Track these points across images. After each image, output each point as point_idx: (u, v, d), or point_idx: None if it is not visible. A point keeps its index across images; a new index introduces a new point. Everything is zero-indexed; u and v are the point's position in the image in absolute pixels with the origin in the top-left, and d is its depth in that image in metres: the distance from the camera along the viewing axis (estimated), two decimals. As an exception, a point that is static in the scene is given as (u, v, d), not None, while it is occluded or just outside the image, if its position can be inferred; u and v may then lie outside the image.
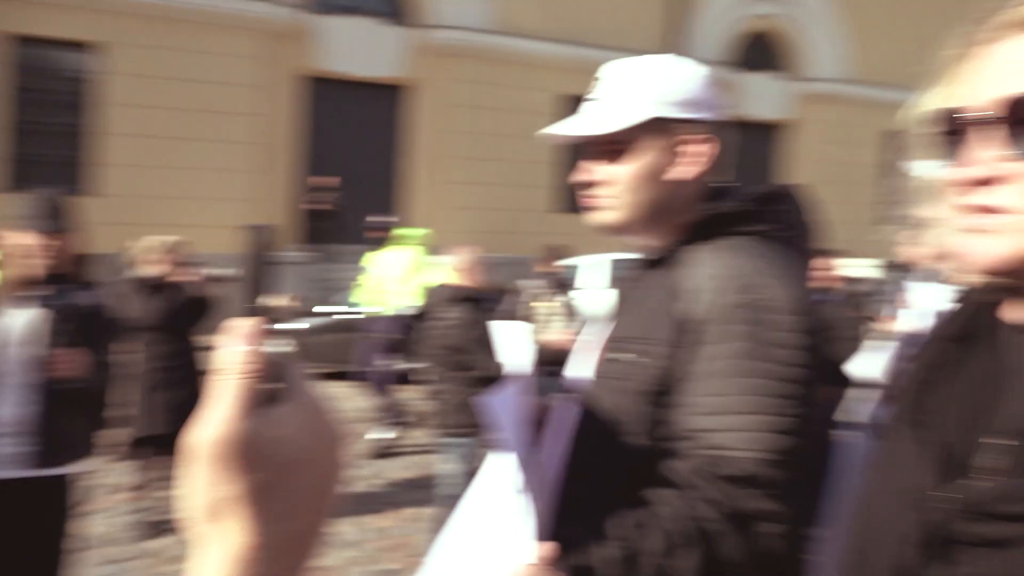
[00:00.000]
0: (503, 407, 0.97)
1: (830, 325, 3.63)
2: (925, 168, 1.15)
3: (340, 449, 0.49)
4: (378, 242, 7.04)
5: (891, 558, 0.74)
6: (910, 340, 2.09)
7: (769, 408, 1.08)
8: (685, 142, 1.25)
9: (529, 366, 1.10)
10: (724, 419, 1.08)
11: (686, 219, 1.27)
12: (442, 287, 4.13)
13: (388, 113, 13.65)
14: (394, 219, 7.80)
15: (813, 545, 1.03)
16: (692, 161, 1.26)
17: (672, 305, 1.17)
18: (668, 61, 1.30)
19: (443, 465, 3.99)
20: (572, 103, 14.73)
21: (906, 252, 5.16)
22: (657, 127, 1.24)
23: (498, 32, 14.00)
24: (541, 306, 6.16)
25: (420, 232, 7.37)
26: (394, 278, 6.61)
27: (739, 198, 1.27)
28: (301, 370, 0.49)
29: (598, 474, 1.16)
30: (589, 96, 1.30)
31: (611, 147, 1.26)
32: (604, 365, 1.26)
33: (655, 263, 1.28)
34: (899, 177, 16.96)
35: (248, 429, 0.44)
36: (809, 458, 1.12)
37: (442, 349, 3.93)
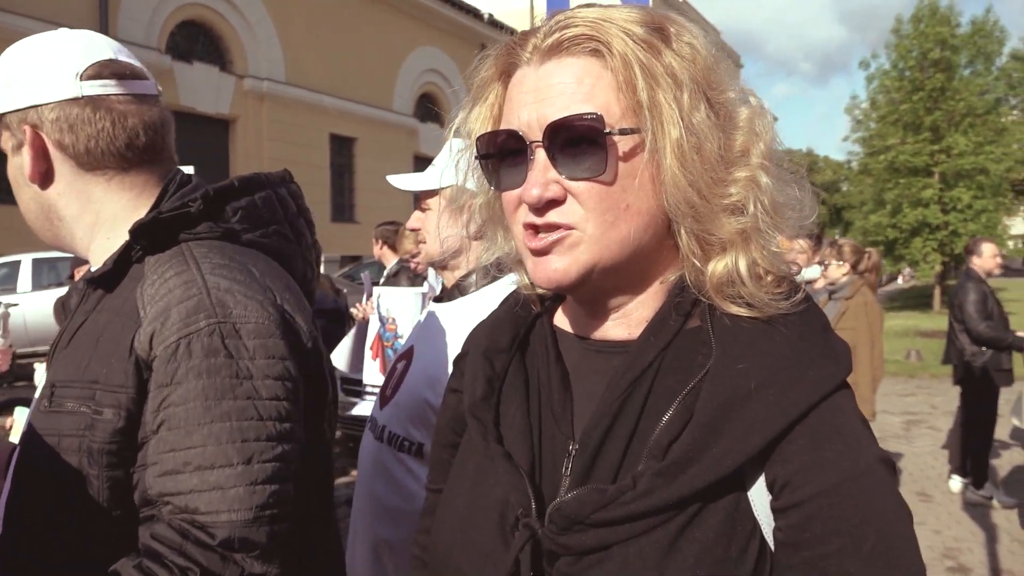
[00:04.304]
0: None
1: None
2: (401, 181, 1.37)
3: None
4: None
5: None
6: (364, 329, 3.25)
7: (245, 457, 0.89)
8: (24, 136, 1.02)
9: None
10: (193, 478, 0.89)
11: (114, 224, 1.04)
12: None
13: (219, 140, 17.31)
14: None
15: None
16: (31, 158, 1.03)
17: (129, 337, 0.94)
18: None
19: None
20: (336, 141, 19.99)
21: (378, 252, 5.32)
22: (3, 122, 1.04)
23: (289, 84, 18.76)
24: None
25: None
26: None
27: (182, 196, 1.04)
28: None
29: (40, 548, 0.96)
30: None
31: None
32: (41, 417, 0.99)
33: (100, 281, 1.03)
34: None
35: None
36: (306, 495, 0.99)
37: None
